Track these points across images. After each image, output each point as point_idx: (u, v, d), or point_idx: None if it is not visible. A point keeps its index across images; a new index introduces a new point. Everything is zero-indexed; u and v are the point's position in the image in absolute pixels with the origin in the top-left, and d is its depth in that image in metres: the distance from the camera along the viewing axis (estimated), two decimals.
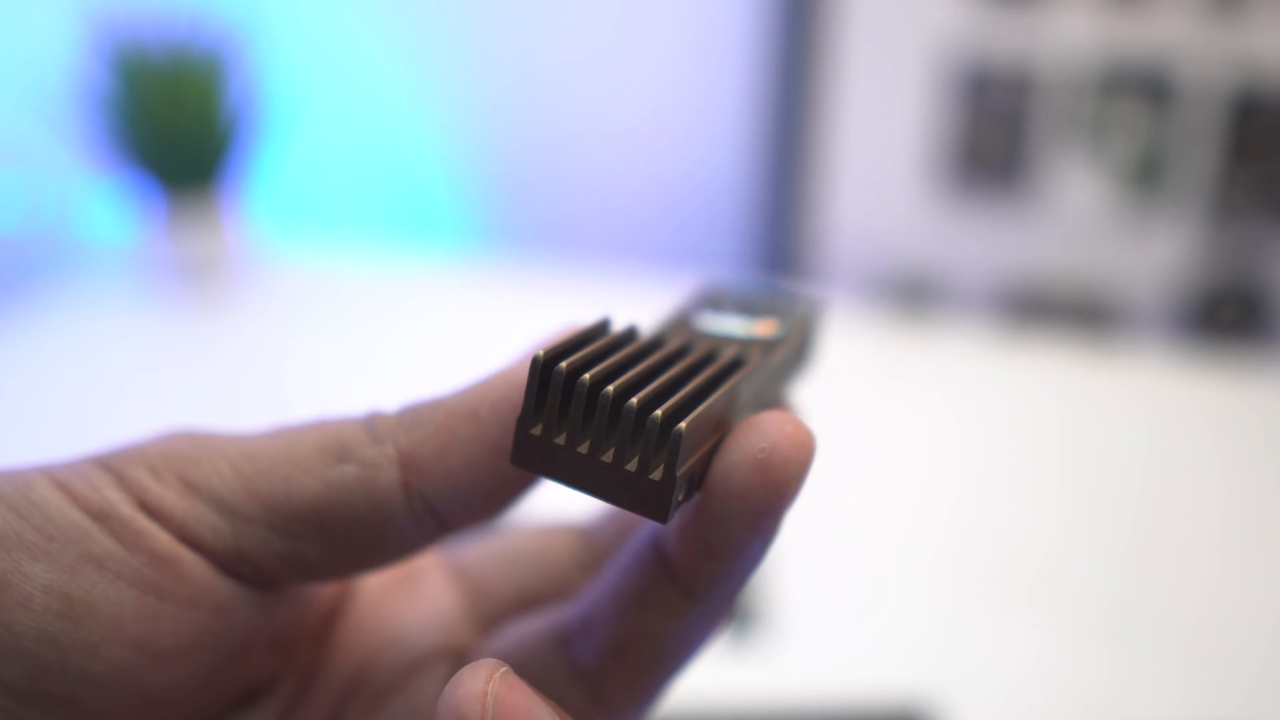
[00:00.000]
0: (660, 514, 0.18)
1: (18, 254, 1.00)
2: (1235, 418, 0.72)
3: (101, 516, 0.19)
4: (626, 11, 0.90)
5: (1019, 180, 0.84)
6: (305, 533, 0.19)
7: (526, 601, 0.25)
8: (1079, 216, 0.84)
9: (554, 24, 0.92)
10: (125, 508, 0.19)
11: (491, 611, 0.25)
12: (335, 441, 0.20)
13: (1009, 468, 0.67)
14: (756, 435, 0.18)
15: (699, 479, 0.19)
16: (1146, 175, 0.82)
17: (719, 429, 0.19)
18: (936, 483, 0.65)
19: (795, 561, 0.59)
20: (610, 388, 0.18)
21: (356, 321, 0.83)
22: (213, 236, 0.84)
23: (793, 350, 0.23)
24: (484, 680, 0.17)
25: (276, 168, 1.02)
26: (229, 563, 0.20)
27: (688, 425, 0.18)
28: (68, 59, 0.95)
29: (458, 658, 0.24)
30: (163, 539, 0.19)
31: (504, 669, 0.17)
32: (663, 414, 0.18)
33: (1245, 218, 0.81)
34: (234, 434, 0.20)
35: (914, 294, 0.89)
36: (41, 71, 0.95)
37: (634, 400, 0.18)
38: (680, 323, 0.24)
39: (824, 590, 0.57)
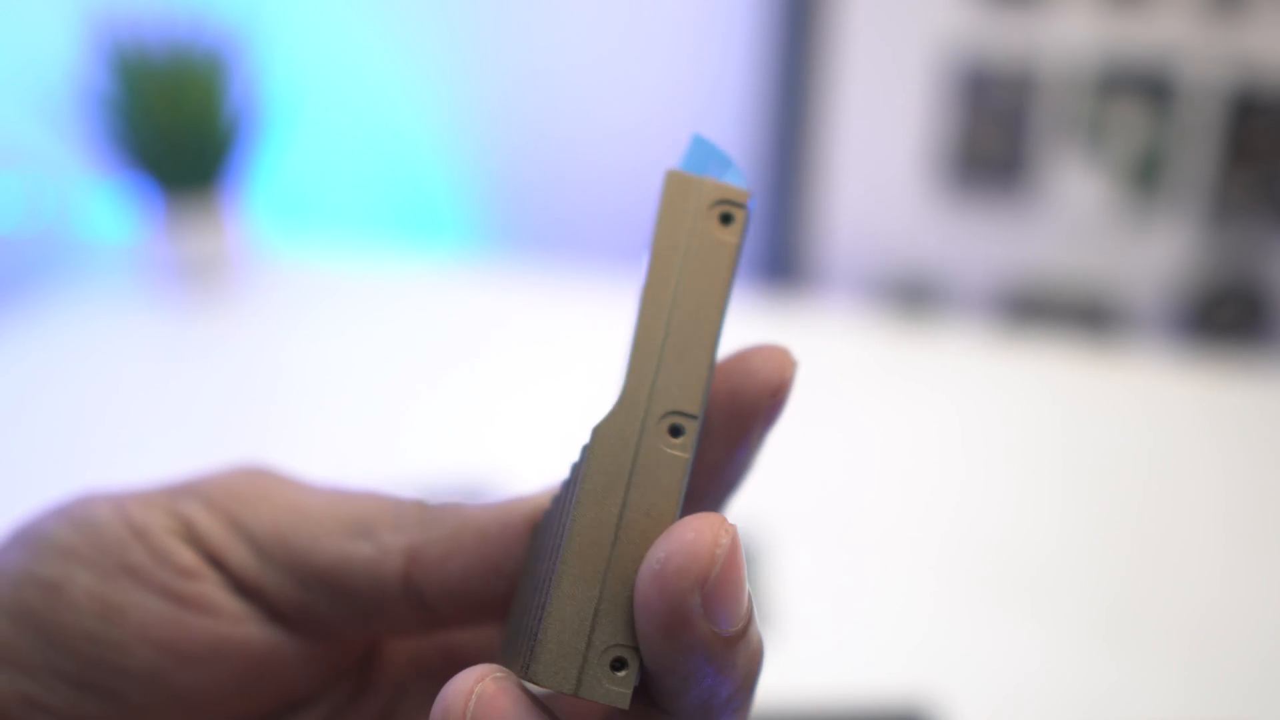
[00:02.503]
0: (612, 706, 0.19)
1: (18, 253, 1.00)
2: (1235, 418, 0.73)
3: (140, 533, 0.21)
4: (626, 13, 0.90)
5: (1019, 180, 0.84)
6: (317, 589, 0.22)
7: None
8: (1079, 217, 0.84)
9: (554, 26, 0.92)
10: (159, 527, 0.22)
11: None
12: (365, 518, 0.22)
13: (1009, 468, 0.67)
14: (661, 543, 0.18)
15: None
16: (1146, 175, 0.82)
17: (599, 564, 0.19)
18: (937, 483, 0.66)
19: (796, 561, 0.59)
20: (516, 669, 0.19)
21: (356, 321, 0.83)
22: (213, 236, 0.84)
23: (663, 266, 0.20)
24: (474, 680, 0.18)
25: (277, 168, 1.02)
26: (251, 592, 0.22)
27: (538, 668, 0.18)
28: (68, 59, 0.95)
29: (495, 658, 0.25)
30: (188, 556, 0.21)
31: (498, 672, 0.18)
32: (524, 672, 0.19)
33: (1245, 218, 0.81)
34: (295, 481, 0.23)
35: (914, 295, 0.89)
36: (42, 72, 0.95)
37: (525, 678, 0.19)
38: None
39: (825, 590, 0.57)
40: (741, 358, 0.21)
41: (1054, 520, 0.62)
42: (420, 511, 0.22)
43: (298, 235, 1.04)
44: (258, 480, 0.23)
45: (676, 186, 0.20)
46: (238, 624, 0.22)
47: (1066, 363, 0.79)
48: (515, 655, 0.20)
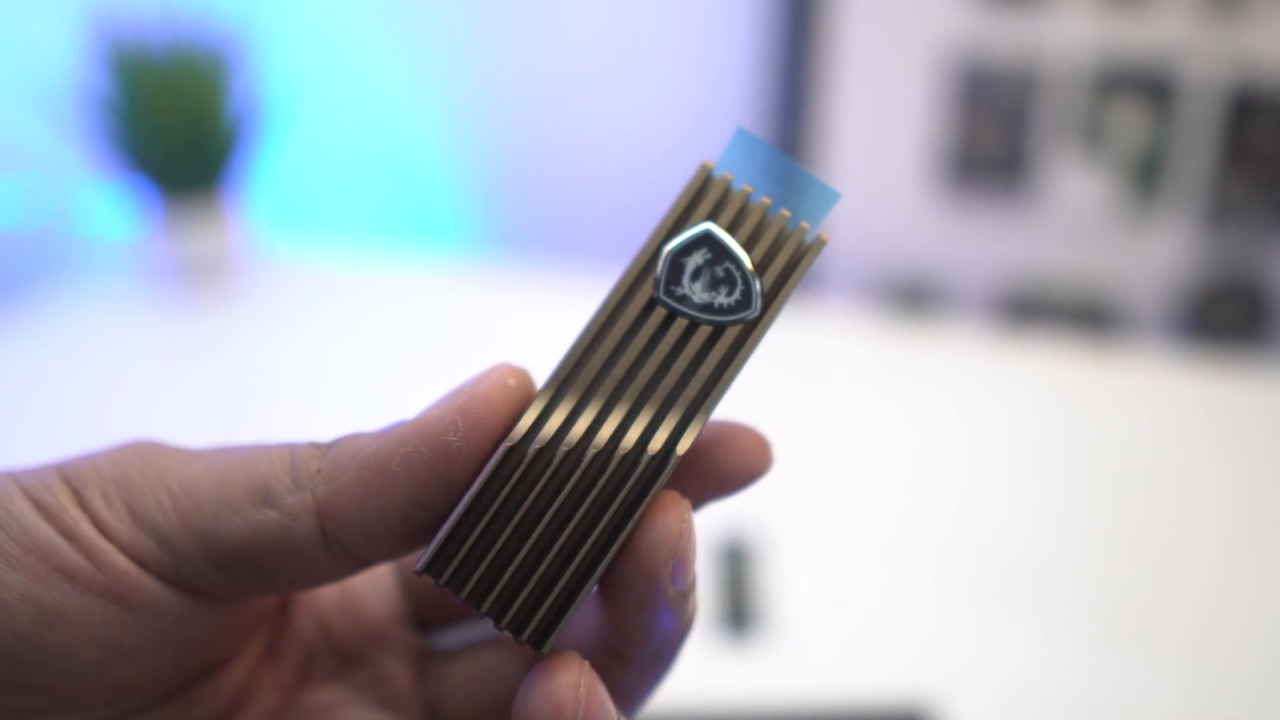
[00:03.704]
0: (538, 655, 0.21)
1: (18, 253, 1.00)
2: (1235, 418, 0.73)
3: (69, 534, 0.20)
4: (627, 15, 0.90)
5: (1019, 180, 0.84)
6: (237, 567, 0.21)
7: None
8: (1078, 216, 0.84)
9: (555, 27, 0.92)
10: (86, 527, 0.20)
11: (408, 573, 0.27)
12: (261, 483, 0.21)
13: (1009, 468, 0.67)
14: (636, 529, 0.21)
15: None
16: (1146, 175, 0.82)
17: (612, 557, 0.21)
18: (937, 483, 0.66)
19: (796, 561, 0.59)
20: (483, 607, 0.20)
21: (356, 321, 0.83)
22: (213, 236, 0.84)
23: (770, 321, 0.21)
24: (577, 672, 0.19)
25: (277, 168, 1.02)
26: (176, 585, 0.21)
27: (550, 646, 0.20)
28: (68, 59, 0.95)
29: (403, 626, 0.26)
30: (120, 558, 0.21)
31: (586, 663, 0.20)
32: (529, 637, 0.20)
33: (1244, 218, 0.81)
34: (183, 453, 0.22)
35: (914, 295, 0.89)
36: (42, 72, 0.95)
37: (501, 627, 0.20)
38: (635, 294, 0.22)
39: (824, 590, 0.57)
40: (730, 435, 0.23)
41: (1054, 520, 0.62)
42: (316, 458, 0.21)
43: (298, 235, 1.04)
44: (146, 459, 0.21)
45: (818, 254, 0.22)
46: (183, 616, 0.21)
47: (1066, 363, 0.79)
48: (479, 586, 0.20)
